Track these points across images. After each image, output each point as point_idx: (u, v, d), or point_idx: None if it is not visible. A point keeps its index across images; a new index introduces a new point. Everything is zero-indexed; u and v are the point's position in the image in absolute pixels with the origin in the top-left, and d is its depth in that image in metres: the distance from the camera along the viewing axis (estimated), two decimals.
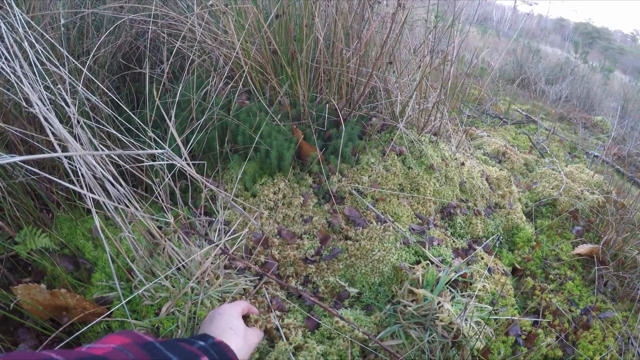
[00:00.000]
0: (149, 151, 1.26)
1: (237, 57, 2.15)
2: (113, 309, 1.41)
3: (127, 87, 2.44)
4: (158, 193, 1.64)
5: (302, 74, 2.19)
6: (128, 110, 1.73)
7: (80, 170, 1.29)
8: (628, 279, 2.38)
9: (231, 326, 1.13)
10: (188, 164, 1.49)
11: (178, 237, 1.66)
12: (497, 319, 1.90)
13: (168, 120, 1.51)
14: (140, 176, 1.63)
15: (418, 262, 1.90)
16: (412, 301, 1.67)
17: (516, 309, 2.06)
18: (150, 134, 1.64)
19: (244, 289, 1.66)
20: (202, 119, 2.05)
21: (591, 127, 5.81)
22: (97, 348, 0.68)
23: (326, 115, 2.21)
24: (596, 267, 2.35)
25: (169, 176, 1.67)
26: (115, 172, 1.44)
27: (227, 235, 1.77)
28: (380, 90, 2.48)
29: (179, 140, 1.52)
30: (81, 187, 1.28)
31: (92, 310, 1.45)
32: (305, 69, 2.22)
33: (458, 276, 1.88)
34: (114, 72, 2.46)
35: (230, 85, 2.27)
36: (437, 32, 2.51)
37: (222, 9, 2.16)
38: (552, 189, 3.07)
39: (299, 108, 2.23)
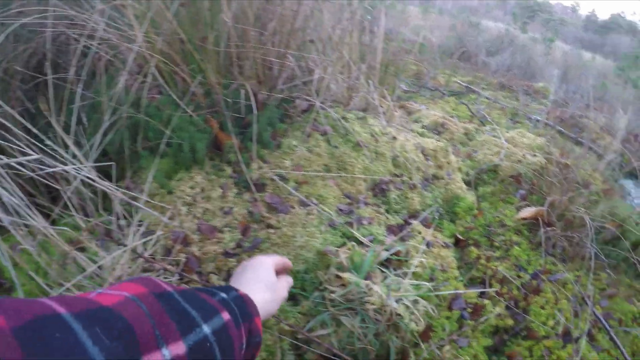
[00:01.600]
0: (25, 158, 1.12)
1: (142, 50, 2.01)
2: None
3: (42, 95, 2.28)
4: (69, 201, 1.56)
5: (213, 60, 2.05)
6: (24, 121, 1.60)
7: None
8: (577, 238, 2.33)
9: (261, 279, 1.03)
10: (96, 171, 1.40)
11: (96, 244, 1.55)
12: (438, 294, 1.79)
13: (58, 128, 1.39)
14: (52, 185, 1.57)
15: (346, 245, 1.78)
16: (339, 286, 1.55)
17: (461, 281, 1.96)
18: (49, 142, 1.54)
19: None
20: (112, 119, 1.92)
21: (533, 94, 5.82)
22: (108, 295, 0.58)
23: (242, 102, 2.08)
24: (542, 230, 2.28)
25: (75, 183, 1.57)
26: (12, 184, 1.35)
27: (137, 236, 1.63)
28: (299, 70, 2.36)
29: (74, 148, 1.41)
30: None
31: None
32: (216, 56, 2.08)
33: (390, 254, 1.76)
34: (27, 81, 2.30)
35: (139, 81, 2.12)
36: (362, 6, 2.41)
37: (120, 1, 2.01)
38: (492, 155, 3.00)
39: (213, 97, 2.09)
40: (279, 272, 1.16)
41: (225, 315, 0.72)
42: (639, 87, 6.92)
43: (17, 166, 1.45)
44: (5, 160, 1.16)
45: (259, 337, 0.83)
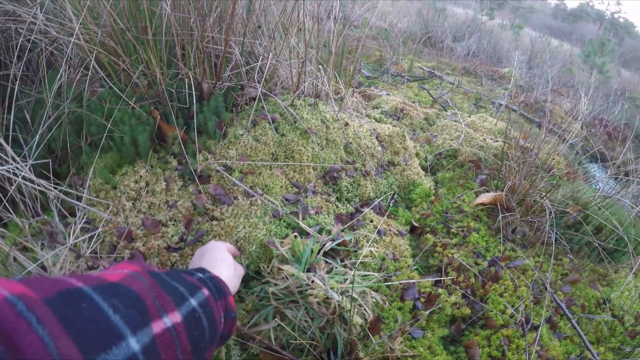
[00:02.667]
0: None
1: (80, 43, 1.93)
2: None
3: None
4: (7, 202, 1.52)
5: (155, 51, 1.97)
6: None
7: None
8: (538, 223, 2.29)
9: (221, 257, 1.13)
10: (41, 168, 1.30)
11: (42, 244, 1.53)
12: (390, 284, 1.73)
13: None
14: None
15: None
16: (282, 279, 1.48)
17: (416, 269, 1.92)
18: None
19: None
20: (54, 115, 1.87)
21: (498, 79, 5.84)
22: (109, 274, 0.66)
23: (186, 92, 2.00)
24: (501, 215, 2.24)
25: (16, 183, 1.50)
26: None
27: (80, 234, 1.56)
28: (247, 57, 2.28)
29: (8, 149, 1.34)
30: None
31: None
32: (158, 46, 2.00)
33: (335, 244, 1.70)
34: None
35: (80, 74, 2.04)
36: None
37: None
38: (452, 140, 2.96)
39: (156, 87, 2.01)
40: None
41: (205, 291, 0.81)
42: (604, 73, 6.98)
43: None
44: None
45: (233, 313, 0.91)
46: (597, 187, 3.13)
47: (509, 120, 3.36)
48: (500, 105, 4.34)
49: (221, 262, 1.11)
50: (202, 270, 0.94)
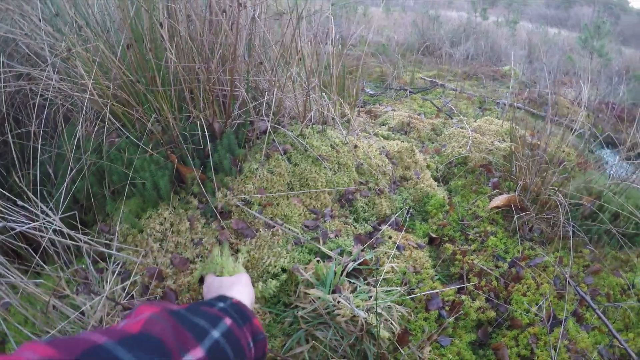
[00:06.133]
0: None
1: (94, 98, 2.02)
2: None
3: (10, 150, 2.30)
4: (37, 254, 1.59)
5: (165, 98, 2.06)
6: None
7: None
8: (554, 218, 2.31)
9: (239, 280, 1.20)
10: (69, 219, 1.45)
11: (77, 290, 1.61)
12: (413, 297, 1.79)
13: (23, 185, 1.40)
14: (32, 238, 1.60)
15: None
16: (309, 303, 1.56)
17: (438, 279, 1.96)
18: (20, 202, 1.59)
19: None
20: (76, 168, 1.95)
21: (500, 78, 5.86)
22: (133, 324, 0.69)
23: (199, 133, 2.09)
24: (516, 216, 2.27)
25: (47, 236, 1.58)
26: None
27: (114, 278, 1.64)
28: (253, 92, 2.37)
29: (41, 204, 1.43)
30: None
31: None
32: (168, 92, 2.09)
33: (357, 264, 1.77)
34: None
35: (97, 127, 2.13)
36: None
37: (65, 54, 2.02)
38: (460, 147, 3.01)
39: (170, 132, 2.10)
40: None
41: (228, 321, 0.84)
42: (604, 55, 6.98)
43: None
44: None
45: (262, 335, 0.93)
46: (610, 173, 3.11)
47: (513, 120, 3.39)
48: (505, 105, 4.37)
49: (238, 284, 1.17)
50: (222, 298, 0.97)
